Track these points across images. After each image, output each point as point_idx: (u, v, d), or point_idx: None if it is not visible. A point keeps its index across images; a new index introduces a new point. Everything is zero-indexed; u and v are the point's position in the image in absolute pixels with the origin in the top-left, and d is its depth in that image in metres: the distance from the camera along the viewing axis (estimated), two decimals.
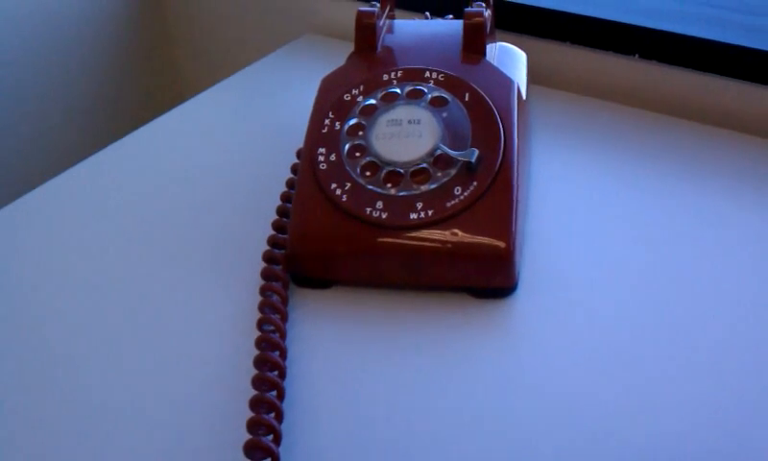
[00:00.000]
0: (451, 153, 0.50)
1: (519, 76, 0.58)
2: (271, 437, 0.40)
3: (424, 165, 0.50)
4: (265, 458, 0.39)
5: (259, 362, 0.43)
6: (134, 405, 0.43)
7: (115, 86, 0.94)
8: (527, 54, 0.62)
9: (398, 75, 0.54)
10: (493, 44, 0.59)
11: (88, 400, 0.44)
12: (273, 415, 0.41)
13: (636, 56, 0.67)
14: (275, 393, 0.42)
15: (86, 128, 0.91)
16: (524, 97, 0.57)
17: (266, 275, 0.49)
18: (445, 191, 0.49)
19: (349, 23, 0.78)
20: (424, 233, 0.48)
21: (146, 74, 0.97)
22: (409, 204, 0.49)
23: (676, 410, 0.42)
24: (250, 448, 0.39)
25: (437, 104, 0.52)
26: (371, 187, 0.50)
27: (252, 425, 0.40)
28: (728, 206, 0.55)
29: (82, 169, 0.62)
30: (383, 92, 0.54)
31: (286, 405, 0.42)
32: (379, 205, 0.49)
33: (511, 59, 0.60)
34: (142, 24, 0.95)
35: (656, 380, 0.43)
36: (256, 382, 0.42)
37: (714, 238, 0.52)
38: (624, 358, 0.45)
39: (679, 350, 0.45)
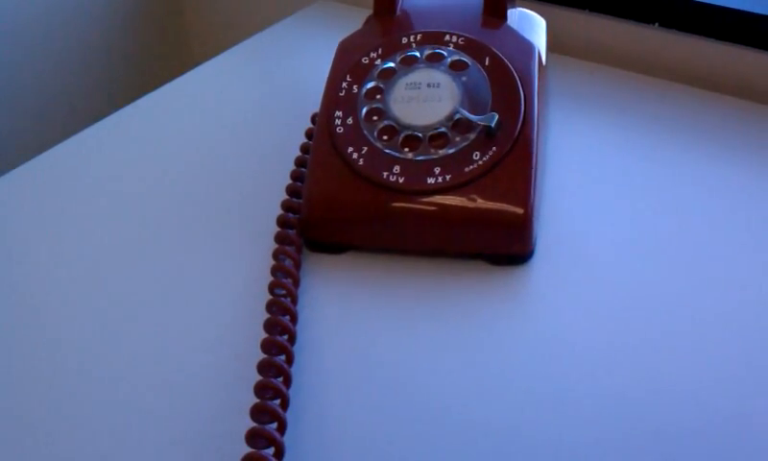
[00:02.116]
0: (471, 117, 0.46)
1: (539, 42, 0.54)
2: (278, 402, 0.37)
3: (443, 130, 0.47)
4: (272, 422, 0.36)
5: (269, 326, 0.40)
6: (145, 368, 0.41)
7: (127, 52, 0.90)
8: (546, 21, 0.58)
9: (418, 38, 0.51)
10: (514, 10, 0.55)
11: (103, 365, 0.41)
12: (281, 379, 0.38)
13: (656, 24, 0.63)
14: (283, 357, 0.39)
15: (98, 92, 0.88)
16: (544, 63, 0.53)
17: (279, 239, 0.46)
18: (464, 156, 0.46)
19: None
20: (442, 198, 0.45)
21: (158, 39, 0.93)
22: (427, 168, 0.45)
23: (693, 375, 0.39)
24: (256, 413, 0.36)
25: (457, 68, 0.49)
26: (388, 151, 0.46)
27: (260, 390, 0.37)
28: (747, 177, 0.52)
29: (95, 132, 0.59)
30: (402, 55, 0.50)
31: (295, 370, 0.40)
32: (396, 169, 0.46)
33: (530, 24, 0.56)
34: None
35: (672, 346, 0.41)
36: (265, 346, 0.39)
37: (732, 208, 0.50)
38: (640, 324, 0.42)
39: (696, 316, 0.43)
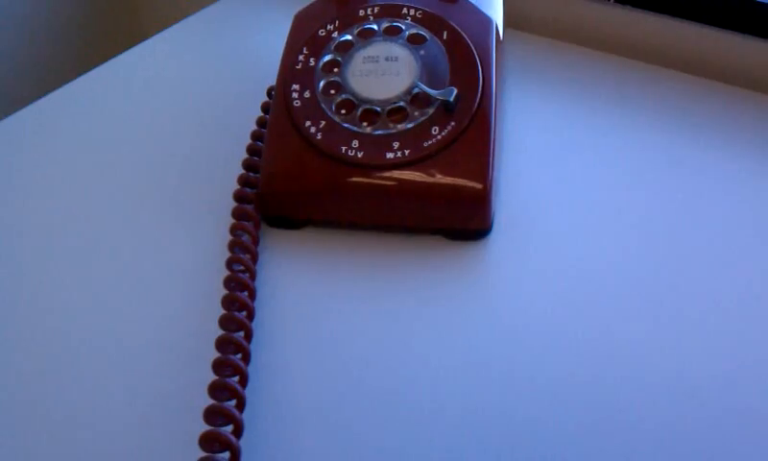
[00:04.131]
0: (429, 91, 0.45)
1: (496, 17, 0.53)
2: (237, 379, 0.36)
3: (401, 104, 0.46)
4: (230, 399, 0.35)
5: (227, 302, 0.39)
6: (101, 341, 0.39)
7: (75, 24, 0.87)
8: None
9: (375, 11, 0.50)
10: None
11: (53, 340, 0.40)
12: (239, 356, 0.37)
13: (612, 1, 0.63)
14: (242, 333, 0.38)
15: (46, 65, 0.85)
16: (501, 38, 0.52)
17: (237, 214, 0.45)
18: (423, 130, 0.45)
19: None
20: (400, 173, 0.44)
21: (107, 11, 0.90)
22: (385, 143, 0.45)
23: (651, 349, 0.39)
24: (215, 389, 0.35)
25: (415, 41, 0.48)
26: (346, 125, 0.45)
27: (219, 366, 0.36)
28: (704, 151, 0.52)
29: (44, 106, 0.57)
30: (359, 28, 0.49)
31: (253, 346, 0.39)
32: (355, 143, 0.45)
33: None
34: None
35: (630, 320, 0.41)
36: (224, 322, 0.38)
37: (689, 182, 0.50)
38: (598, 299, 0.42)
39: (654, 289, 0.43)
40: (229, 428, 0.34)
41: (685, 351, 0.39)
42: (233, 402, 0.35)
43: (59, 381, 0.38)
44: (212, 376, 0.36)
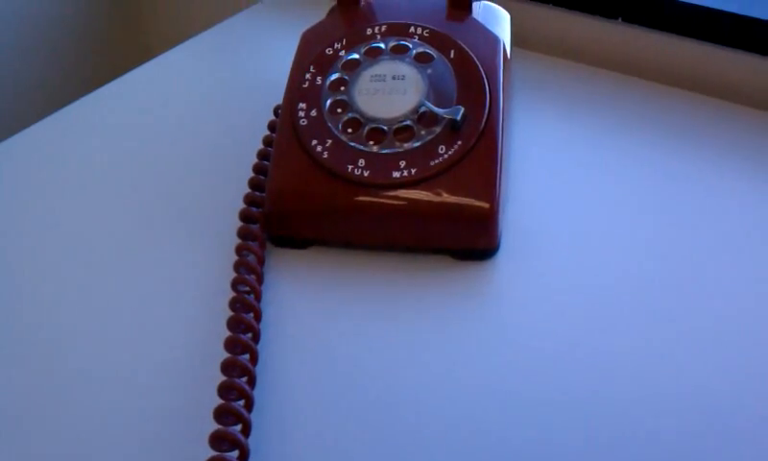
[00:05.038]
0: (436, 110, 0.45)
1: (504, 36, 0.53)
2: (242, 402, 0.35)
3: (408, 122, 0.45)
4: (236, 424, 0.34)
5: (233, 324, 0.38)
6: (105, 363, 0.39)
7: (85, 42, 0.87)
8: (509, 14, 0.57)
9: (382, 29, 0.49)
10: (478, 3, 0.54)
11: (59, 358, 0.39)
12: (245, 379, 0.36)
13: (620, 19, 0.62)
14: (247, 356, 0.37)
15: (54, 83, 0.84)
16: (509, 57, 0.52)
17: (242, 234, 0.44)
18: (429, 149, 0.44)
19: None
20: (407, 193, 0.43)
21: (116, 30, 0.90)
22: (392, 162, 0.44)
23: (659, 368, 0.39)
24: (220, 413, 0.34)
25: (422, 60, 0.47)
26: (353, 144, 0.45)
27: (224, 390, 0.35)
28: (709, 172, 0.51)
29: (51, 124, 0.56)
30: (366, 47, 0.49)
31: (259, 369, 0.38)
32: (361, 162, 0.44)
33: (495, 18, 0.55)
34: None
35: (640, 339, 0.40)
36: (229, 344, 0.37)
37: (697, 201, 0.49)
38: (605, 319, 0.41)
39: (663, 310, 0.42)
40: (235, 454, 0.33)
41: (698, 369, 0.39)
42: (239, 427, 0.34)
43: (64, 400, 0.37)
44: (218, 400, 0.35)
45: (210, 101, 0.59)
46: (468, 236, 0.44)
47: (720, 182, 0.50)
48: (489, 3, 0.56)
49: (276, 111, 0.53)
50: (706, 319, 0.41)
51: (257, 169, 0.48)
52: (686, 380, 0.38)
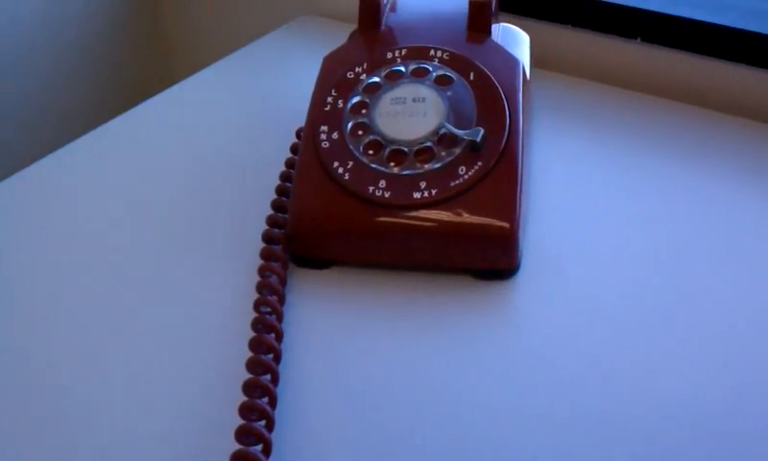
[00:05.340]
0: (456, 131, 0.45)
1: (523, 57, 0.53)
2: (263, 423, 0.35)
3: (429, 144, 0.45)
4: (257, 444, 0.34)
5: (254, 344, 0.39)
6: (128, 385, 0.39)
7: (111, 68, 0.88)
8: (529, 36, 0.57)
9: (403, 53, 0.50)
10: (497, 25, 0.54)
11: (82, 380, 0.39)
12: (266, 400, 0.36)
13: (639, 39, 0.62)
14: (269, 377, 0.37)
15: (82, 107, 0.86)
16: (528, 78, 0.52)
17: (265, 255, 0.45)
18: (449, 170, 0.44)
19: (346, 3, 0.73)
20: (428, 213, 0.44)
21: (142, 56, 0.91)
22: (413, 183, 0.44)
23: (680, 391, 0.38)
24: (242, 434, 0.34)
25: (442, 82, 0.48)
26: (374, 166, 0.45)
27: (245, 410, 0.35)
28: (730, 191, 0.51)
29: (78, 147, 0.57)
30: (387, 70, 0.49)
31: (280, 390, 0.38)
32: (382, 183, 0.44)
33: (514, 40, 0.55)
34: (133, 6, 0.89)
35: (658, 361, 0.40)
36: (250, 365, 0.37)
37: (719, 220, 0.49)
38: (626, 340, 0.41)
39: (682, 332, 0.42)
40: None
41: (724, 388, 0.38)
42: (260, 447, 0.35)
43: (81, 428, 0.37)
44: (239, 420, 0.35)
45: (233, 124, 0.59)
46: (488, 256, 0.44)
47: (749, 202, 0.50)
48: (508, 25, 0.56)
49: (298, 134, 0.54)
50: (731, 337, 0.41)
51: (280, 191, 0.49)
52: (712, 399, 0.38)
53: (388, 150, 0.46)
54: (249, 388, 0.36)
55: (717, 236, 0.47)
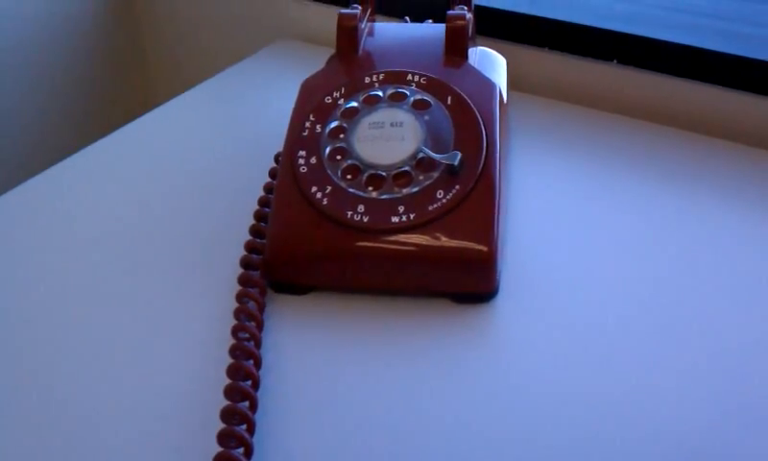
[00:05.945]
0: (434, 156, 0.45)
1: (500, 80, 0.53)
2: (242, 450, 0.35)
3: (407, 168, 0.45)
4: None
5: (232, 371, 0.38)
6: (105, 409, 0.39)
7: (89, 92, 0.88)
8: (506, 59, 0.58)
9: (380, 78, 0.50)
10: (474, 48, 0.54)
11: (59, 400, 0.39)
12: (244, 426, 0.36)
13: (615, 61, 0.63)
14: (247, 403, 0.37)
15: (60, 132, 0.85)
16: (505, 101, 0.52)
17: (243, 281, 0.44)
18: (428, 195, 0.44)
19: (323, 28, 0.73)
20: (406, 237, 0.44)
21: (120, 80, 0.91)
22: (391, 207, 0.44)
23: (658, 410, 0.38)
24: (220, 460, 0.34)
25: (419, 107, 0.48)
26: (352, 191, 0.45)
27: (223, 438, 0.35)
28: (704, 209, 0.52)
29: (57, 172, 0.57)
30: (365, 95, 0.49)
31: (259, 417, 0.38)
32: (361, 208, 0.44)
33: (491, 63, 0.55)
34: (112, 30, 0.89)
35: (637, 382, 0.40)
36: (229, 392, 0.37)
37: (693, 240, 0.49)
38: (604, 361, 0.41)
39: (660, 351, 0.42)
40: None
41: (703, 412, 0.38)
42: None
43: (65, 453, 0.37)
44: (217, 448, 0.35)
45: (211, 149, 0.59)
46: (467, 280, 0.44)
47: (725, 224, 0.50)
48: (485, 49, 0.57)
49: (276, 159, 0.53)
50: (709, 360, 0.41)
51: (258, 216, 0.49)
52: (690, 424, 0.38)
53: (366, 174, 0.46)
54: (227, 415, 0.36)
55: (695, 254, 0.48)
